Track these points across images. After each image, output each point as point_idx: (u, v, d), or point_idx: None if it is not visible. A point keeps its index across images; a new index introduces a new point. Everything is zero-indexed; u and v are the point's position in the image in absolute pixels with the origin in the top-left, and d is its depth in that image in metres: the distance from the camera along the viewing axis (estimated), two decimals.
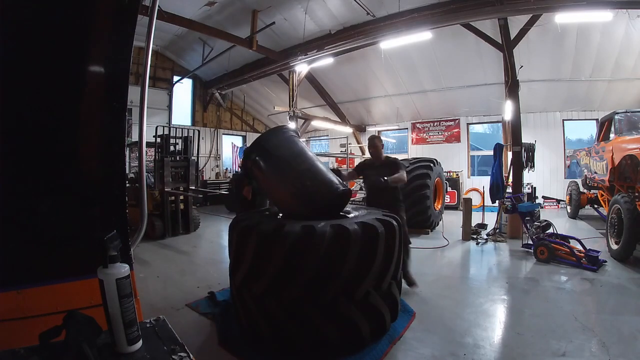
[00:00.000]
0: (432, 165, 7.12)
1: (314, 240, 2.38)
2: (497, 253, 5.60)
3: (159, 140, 6.93)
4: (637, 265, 4.54)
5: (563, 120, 10.12)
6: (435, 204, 7.61)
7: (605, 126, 6.59)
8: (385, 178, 3.54)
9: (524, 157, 6.95)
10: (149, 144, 7.00)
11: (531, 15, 6.92)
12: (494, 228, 6.65)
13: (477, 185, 10.75)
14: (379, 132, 13.53)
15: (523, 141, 6.92)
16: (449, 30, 7.75)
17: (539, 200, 8.53)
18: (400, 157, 10.17)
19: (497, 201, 6.82)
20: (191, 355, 0.96)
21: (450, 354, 2.58)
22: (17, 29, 1.29)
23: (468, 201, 6.79)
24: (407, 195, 6.88)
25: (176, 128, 7.64)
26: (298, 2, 8.13)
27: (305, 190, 2.85)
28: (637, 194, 5.10)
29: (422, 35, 7.43)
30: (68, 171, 1.43)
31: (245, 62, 11.54)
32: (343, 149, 11.15)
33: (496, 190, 6.71)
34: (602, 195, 7.05)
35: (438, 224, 7.49)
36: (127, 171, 9.46)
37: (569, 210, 8.65)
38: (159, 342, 1.03)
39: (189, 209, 7.26)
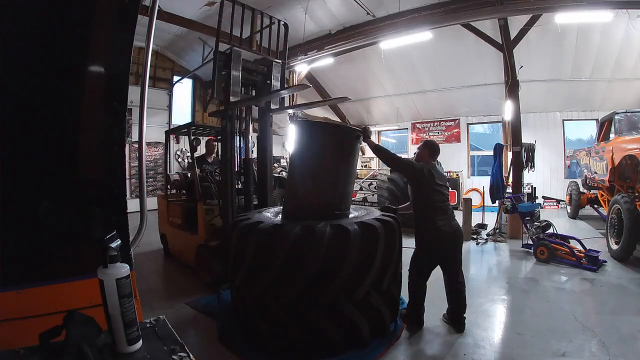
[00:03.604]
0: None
1: (314, 240, 2.38)
2: (497, 253, 5.60)
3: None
4: (637, 265, 4.54)
5: (563, 120, 10.11)
6: None
7: (605, 126, 6.58)
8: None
9: (524, 157, 6.94)
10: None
11: (531, 15, 6.92)
12: (494, 228, 6.65)
13: (477, 185, 10.74)
14: (379, 132, 13.54)
15: (523, 141, 6.92)
16: (449, 30, 7.74)
17: (539, 201, 8.52)
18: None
19: (497, 201, 6.82)
20: (191, 355, 0.96)
21: (450, 354, 2.58)
22: (17, 29, 1.29)
23: (468, 201, 6.79)
24: (407, 196, 6.88)
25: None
26: (298, 2, 8.13)
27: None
28: (637, 194, 5.10)
29: (422, 35, 7.43)
30: (68, 171, 1.42)
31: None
32: None
33: (496, 191, 6.71)
34: (602, 195, 7.04)
35: None
36: (127, 172, 9.42)
37: (569, 210, 8.65)
38: (159, 342, 1.03)
39: None
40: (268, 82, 4.30)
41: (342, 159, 2.90)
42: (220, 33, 3.78)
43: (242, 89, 4.07)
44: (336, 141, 2.88)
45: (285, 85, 4.59)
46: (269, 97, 4.11)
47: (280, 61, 4.34)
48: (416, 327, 3.00)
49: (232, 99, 3.79)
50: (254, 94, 4.36)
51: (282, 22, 4.42)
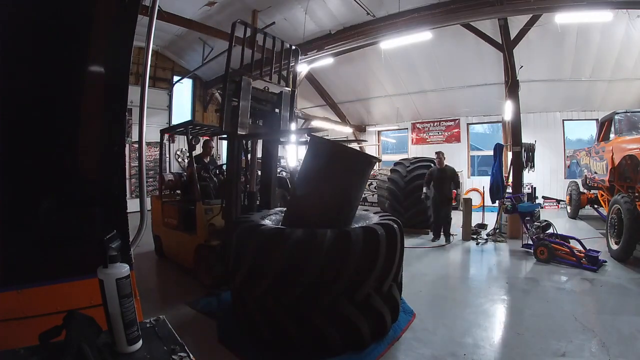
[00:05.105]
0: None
1: (315, 243, 2.38)
2: (497, 253, 5.60)
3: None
4: (637, 265, 4.54)
5: (563, 120, 10.12)
6: None
7: (605, 126, 6.59)
8: None
9: (524, 157, 6.95)
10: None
11: (531, 15, 6.93)
12: (494, 228, 6.65)
13: (477, 185, 10.75)
14: (379, 132, 13.54)
15: (523, 141, 6.92)
16: (449, 30, 7.75)
17: (539, 201, 8.53)
18: (400, 157, 10.21)
19: (497, 201, 6.82)
20: (191, 355, 0.96)
21: (450, 354, 2.58)
22: (18, 29, 1.29)
23: (468, 201, 6.79)
24: (407, 195, 6.90)
25: None
26: (298, 2, 8.13)
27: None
28: (637, 194, 5.10)
29: (422, 35, 7.43)
30: (68, 171, 1.42)
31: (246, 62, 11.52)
32: None
33: (496, 191, 6.72)
34: (602, 195, 7.05)
35: None
36: (127, 172, 9.40)
37: (569, 210, 8.65)
38: (159, 342, 1.03)
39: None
40: (277, 110, 4.16)
41: (352, 182, 2.88)
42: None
43: (250, 118, 3.91)
44: (350, 166, 2.83)
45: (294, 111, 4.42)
46: (281, 135, 3.99)
47: (289, 89, 4.22)
48: None
49: (239, 131, 3.62)
50: (260, 122, 4.22)
51: (292, 47, 4.24)
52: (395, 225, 2.77)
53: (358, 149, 8.95)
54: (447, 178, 6.19)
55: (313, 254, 2.38)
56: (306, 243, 2.39)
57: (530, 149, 7.11)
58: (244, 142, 3.95)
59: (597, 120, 8.42)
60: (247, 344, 2.66)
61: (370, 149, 13.57)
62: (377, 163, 3.07)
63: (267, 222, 3.05)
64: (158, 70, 11.98)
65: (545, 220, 5.42)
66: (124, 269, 0.99)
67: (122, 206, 1.50)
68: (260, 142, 4.30)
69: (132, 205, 1.45)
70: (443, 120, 11.70)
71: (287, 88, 4.24)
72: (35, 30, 1.32)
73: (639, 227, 4.40)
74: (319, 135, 3.60)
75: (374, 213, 3.35)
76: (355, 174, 2.86)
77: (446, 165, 6.33)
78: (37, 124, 1.35)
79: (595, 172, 6.88)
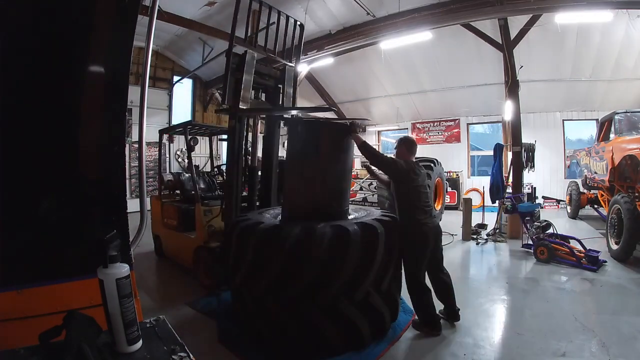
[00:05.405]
0: (432, 165, 7.12)
1: (314, 241, 2.38)
2: (497, 253, 5.60)
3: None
4: (637, 265, 4.54)
5: (563, 120, 10.11)
6: (436, 204, 7.61)
7: (605, 126, 6.58)
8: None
9: (524, 157, 6.94)
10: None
11: (531, 15, 6.92)
12: (494, 228, 6.64)
13: (477, 185, 10.74)
14: (379, 132, 13.54)
15: (523, 141, 6.92)
16: (449, 30, 7.74)
17: (539, 201, 8.53)
18: None
19: (497, 201, 6.82)
20: (191, 355, 0.96)
21: (451, 354, 2.58)
22: (18, 29, 1.29)
23: (468, 201, 6.78)
24: None
25: None
26: (298, 2, 8.12)
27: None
28: (637, 194, 5.10)
29: (422, 35, 7.43)
30: (68, 171, 1.42)
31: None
32: None
33: (496, 191, 6.71)
34: (602, 196, 7.04)
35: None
36: (127, 172, 9.40)
37: (569, 211, 8.65)
38: (159, 342, 1.03)
39: None
40: (279, 86, 4.14)
41: (332, 155, 2.90)
42: (229, 33, 3.68)
43: (252, 92, 3.88)
44: (323, 138, 2.89)
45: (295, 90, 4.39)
46: (284, 111, 3.97)
47: (293, 64, 4.21)
48: (435, 332, 2.86)
49: (241, 105, 3.57)
50: (263, 97, 4.19)
51: (298, 23, 4.27)
52: (394, 222, 2.78)
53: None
54: None
55: (312, 251, 2.38)
56: (305, 240, 2.40)
57: (530, 149, 7.11)
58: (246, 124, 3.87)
59: (597, 120, 8.41)
60: (247, 344, 2.66)
61: None
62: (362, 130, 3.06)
63: (266, 215, 3.07)
64: (158, 70, 11.97)
65: (545, 220, 5.42)
66: (124, 269, 0.99)
67: (122, 206, 1.50)
68: (260, 142, 4.28)
69: (132, 205, 1.45)
70: (443, 120, 11.70)
71: (290, 64, 4.21)
72: (35, 30, 1.32)
73: (639, 227, 4.40)
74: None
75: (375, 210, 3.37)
76: (329, 145, 2.89)
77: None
78: (37, 124, 1.35)
79: (595, 172, 6.87)
